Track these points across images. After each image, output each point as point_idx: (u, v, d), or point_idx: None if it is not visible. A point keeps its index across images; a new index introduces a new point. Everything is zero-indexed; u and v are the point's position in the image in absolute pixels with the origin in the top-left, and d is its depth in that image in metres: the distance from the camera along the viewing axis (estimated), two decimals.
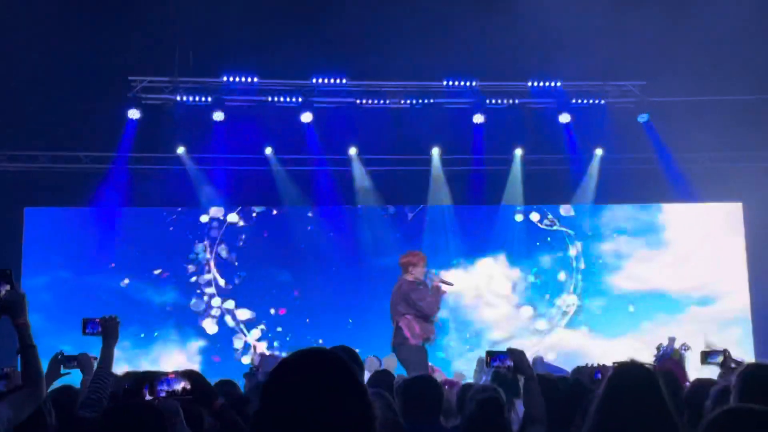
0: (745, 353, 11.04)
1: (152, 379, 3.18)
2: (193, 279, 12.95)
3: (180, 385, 3.14)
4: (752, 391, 3.39)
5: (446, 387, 6.95)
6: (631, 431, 3.22)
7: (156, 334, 12.54)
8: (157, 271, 12.78)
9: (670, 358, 8.80)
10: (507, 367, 4.40)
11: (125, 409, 3.32)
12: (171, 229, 12.93)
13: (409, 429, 4.14)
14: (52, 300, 12.06)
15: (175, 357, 12.37)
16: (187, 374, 3.23)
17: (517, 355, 4.41)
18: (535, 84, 12.50)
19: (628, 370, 3.48)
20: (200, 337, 12.66)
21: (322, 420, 1.82)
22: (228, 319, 12.76)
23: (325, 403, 1.84)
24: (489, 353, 4.54)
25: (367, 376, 6.45)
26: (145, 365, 10.97)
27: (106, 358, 4.38)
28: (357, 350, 4.65)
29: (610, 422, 3.28)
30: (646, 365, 3.75)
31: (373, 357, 10.21)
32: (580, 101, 12.72)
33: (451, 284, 9.55)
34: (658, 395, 3.30)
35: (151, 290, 12.75)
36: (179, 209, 12.96)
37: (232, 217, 13.11)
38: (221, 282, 12.75)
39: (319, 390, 1.86)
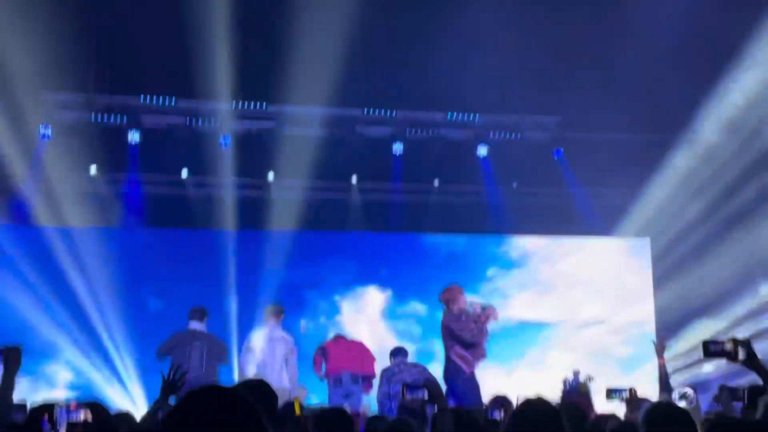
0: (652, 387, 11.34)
1: (51, 409, 3.05)
2: None
3: (81, 416, 3.04)
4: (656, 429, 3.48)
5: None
6: None
7: None
8: None
9: (578, 391, 8.98)
10: (422, 400, 4.40)
11: None
12: None
13: None
14: None
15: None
16: (89, 405, 3.12)
17: (433, 387, 4.41)
18: (453, 116, 12.69)
19: (533, 405, 3.54)
20: None
21: None
22: None
23: None
24: (406, 386, 4.55)
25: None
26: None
27: (7, 389, 4.19)
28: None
29: None
30: (551, 401, 3.82)
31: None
32: (497, 135, 12.96)
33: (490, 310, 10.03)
34: (561, 430, 3.34)
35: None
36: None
37: None
38: None
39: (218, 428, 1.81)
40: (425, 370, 9.51)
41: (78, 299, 12.17)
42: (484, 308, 10.00)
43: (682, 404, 5.64)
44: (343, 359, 10.60)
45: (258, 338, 10.65)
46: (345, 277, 13.18)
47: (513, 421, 3.43)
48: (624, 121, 11.92)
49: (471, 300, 10.17)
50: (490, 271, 13.57)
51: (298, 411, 4.99)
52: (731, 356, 5.07)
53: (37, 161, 12.00)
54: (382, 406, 9.24)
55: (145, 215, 12.67)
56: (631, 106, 11.60)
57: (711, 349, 5.30)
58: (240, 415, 1.86)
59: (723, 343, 5.20)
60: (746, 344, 4.95)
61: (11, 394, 4.18)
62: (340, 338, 11.07)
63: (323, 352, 10.75)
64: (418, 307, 13.23)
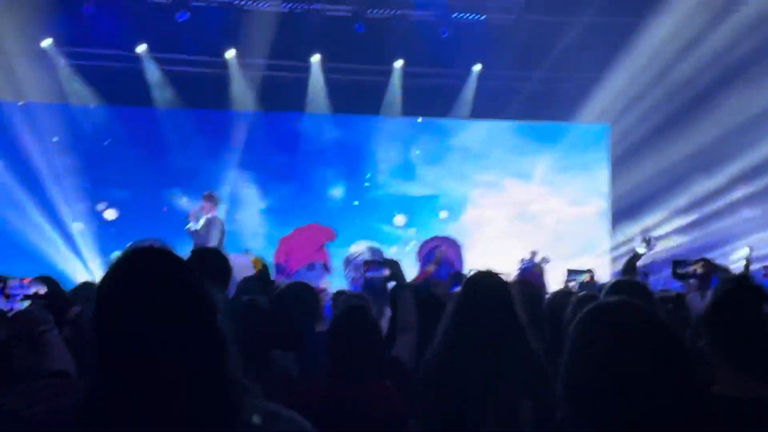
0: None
1: (5, 282, 3.03)
2: None
3: (34, 290, 3.02)
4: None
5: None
6: (480, 336, 3.33)
7: None
8: None
9: (532, 271, 9.22)
10: (383, 277, 4.45)
11: None
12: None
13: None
14: None
15: None
16: (43, 279, 3.10)
17: (392, 265, 4.45)
18: None
19: (482, 278, 3.61)
20: None
21: (156, 316, 1.72)
22: None
23: (156, 295, 1.74)
24: (366, 263, 4.58)
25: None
26: None
27: None
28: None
29: (461, 326, 3.40)
30: (500, 274, 3.90)
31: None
32: (461, 15, 12.72)
33: None
34: (509, 302, 3.44)
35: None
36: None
37: None
38: None
39: (149, 285, 1.75)
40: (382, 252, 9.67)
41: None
42: None
43: (641, 248, 5.74)
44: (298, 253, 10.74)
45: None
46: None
47: (463, 292, 3.50)
48: (590, 4, 11.74)
49: None
50: (452, 155, 13.60)
51: (259, 266, 5.04)
52: (702, 279, 5.22)
53: None
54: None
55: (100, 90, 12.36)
56: None
57: (679, 271, 5.44)
58: (176, 274, 1.80)
59: (690, 264, 5.36)
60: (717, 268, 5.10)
61: None
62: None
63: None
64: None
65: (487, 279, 3.63)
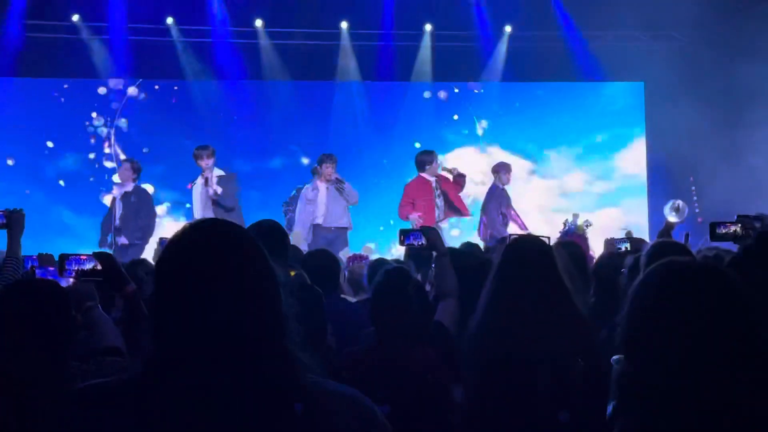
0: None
1: (62, 259, 3.09)
2: (92, 155, 12.60)
3: (90, 266, 3.07)
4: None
5: (354, 261, 7.05)
6: (524, 300, 3.32)
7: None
8: (50, 144, 12.37)
9: (575, 233, 9.21)
10: (420, 244, 4.45)
11: (26, 285, 3.12)
12: (62, 100, 12.43)
13: None
14: None
15: None
16: (99, 256, 3.14)
17: (430, 232, 4.46)
18: None
19: (524, 241, 3.60)
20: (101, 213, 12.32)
21: (220, 291, 1.71)
22: None
23: (222, 275, 1.72)
24: (402, 231, 4.59)
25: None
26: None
27: (14, 250, 4.24)
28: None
29: (504, 292, 3.38)
30: (542, 237, 3.89)
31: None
32: None
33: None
34: (552, 265, 3.41)
35: (45, 165, 12.37)
36: (71, 81, 12.42)
37: (132, 90, 12.67)
38: (122, 157, 12.27)
39: (213, 261, 1.72)
40: None
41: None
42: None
43: (673, 217, 5.71)
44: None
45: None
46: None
47: (504, 258, 3.47)
48: None
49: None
50: (484, 122, 13.49)
51: None
52: (739, 239, 5.11)
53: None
54: None
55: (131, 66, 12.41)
56: None
57: (718, 232, 5.33)
58: (238, 248, 1.77)
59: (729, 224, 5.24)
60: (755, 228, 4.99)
61: (20, 253, 4.24)
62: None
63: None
64: None
65: (529, 243, 3.63)
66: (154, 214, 10.60)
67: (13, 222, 4.29)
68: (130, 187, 10.36)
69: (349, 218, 10.43)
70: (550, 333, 3.23)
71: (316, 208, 10.34)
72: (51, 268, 4.56)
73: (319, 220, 10.30)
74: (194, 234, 1.79)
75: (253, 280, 1.75)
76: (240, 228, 1.84)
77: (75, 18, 11.92)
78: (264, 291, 1.76)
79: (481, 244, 7.98)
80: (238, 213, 10.08)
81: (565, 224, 9.66)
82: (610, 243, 5.93)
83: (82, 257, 3.13)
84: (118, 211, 10.24)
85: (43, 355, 2.75)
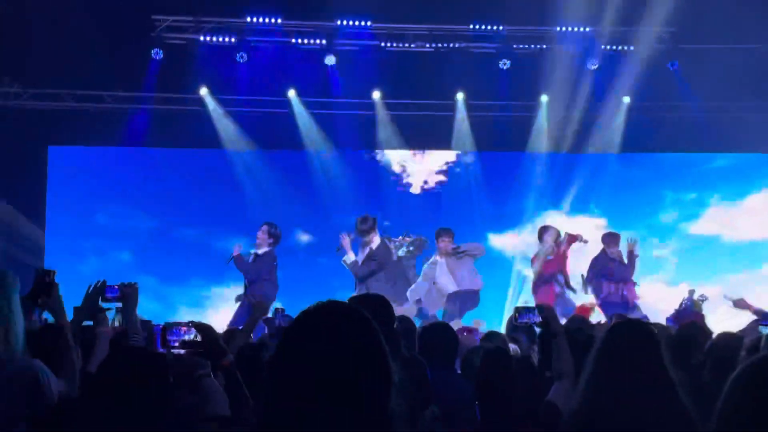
0: None
1: (165, 329, 3.19)
2: None
3: (190, 337, 3.15)
4: None
5: (464, 333, 7.02)
6: (623, 390, 3.18)
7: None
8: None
9: (692, 310, 8.83)
10: (535, 323, 4.36)
11: (126, 355, 3.20)
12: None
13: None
14: (75, 239, 12.29)
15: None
16: (198, 326, 3.23)
17: (546, 311, 4.37)
18: (563, 29, 12.27)
19: (627, 328, 3.46)
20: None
21: (334, 375, 1.82)
22: None
23: (339, 360, 1.84)
24: (517, 309, 4.51)
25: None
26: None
27: (131, 323, 4.39)
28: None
29: (603, 378, 3.24)
30: (644, 322, 3.72)
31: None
32: (606, 48, 12.50)
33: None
34: (656, 355, 3.23)
35: (184, 229, 12.80)
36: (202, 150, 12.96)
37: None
38: None
39: (335, 346, 1.85)
40: None
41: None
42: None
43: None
44: None
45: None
46: None
47: (605, 343, 3.30)
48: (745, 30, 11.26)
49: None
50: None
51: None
52: None
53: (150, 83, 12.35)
54: None
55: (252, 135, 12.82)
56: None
57: None
58: (360, 331, 1.89)
59: None
60: None
61: (137, 326, 4.41)
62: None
63: None
64: None
65: (632, 329, 3.46)
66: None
67: (128, 296, 4.44)
68: (261, 251, 10.69)
69: (479, 278, 10.53)
70: (649, 425, 3.08)
71: (442, 278, 10.52)
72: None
73: (451, 288, 10.48)
74: (325, 311, 1.93)
75: (368, 358, 1.87)
76: (359, 312, 1.95)
77: (203, 91, 12.49)
78: (377, 368, 1.88)
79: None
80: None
81: (682, 302, 9.29)
82: (753, 328, 5.61)
83: (182, 328, 3.22)
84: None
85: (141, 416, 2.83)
